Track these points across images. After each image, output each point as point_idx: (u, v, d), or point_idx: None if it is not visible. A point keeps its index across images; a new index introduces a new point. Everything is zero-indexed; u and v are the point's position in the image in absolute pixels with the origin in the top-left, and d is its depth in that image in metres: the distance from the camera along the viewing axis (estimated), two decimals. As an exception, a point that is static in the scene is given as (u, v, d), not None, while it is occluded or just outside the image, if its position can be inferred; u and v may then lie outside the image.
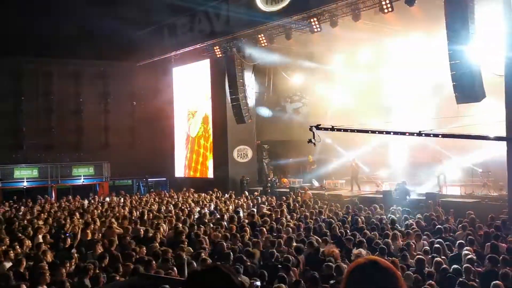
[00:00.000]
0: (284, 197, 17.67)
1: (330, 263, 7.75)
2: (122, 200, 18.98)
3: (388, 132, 12.39)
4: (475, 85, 13.68)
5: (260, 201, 17.15)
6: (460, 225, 11.01)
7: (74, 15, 22.16)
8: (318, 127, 11.17)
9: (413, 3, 14.93)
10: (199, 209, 15.65)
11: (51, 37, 23.27)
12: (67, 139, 26.78)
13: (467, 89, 13.89)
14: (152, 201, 18.62)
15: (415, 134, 11.25)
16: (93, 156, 26.43)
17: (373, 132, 12.63)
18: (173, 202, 17.42)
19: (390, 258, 8.02)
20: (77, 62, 26.60)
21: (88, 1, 23.57)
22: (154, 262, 7.89)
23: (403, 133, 11.99)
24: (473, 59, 13.63)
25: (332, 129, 11.67)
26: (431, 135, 11.28)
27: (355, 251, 8.49)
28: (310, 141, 11.05)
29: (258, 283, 7.19)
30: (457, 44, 13.84)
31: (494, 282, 6.46)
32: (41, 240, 10.22)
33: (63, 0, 23.88)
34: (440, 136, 11.51)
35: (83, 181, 25.60)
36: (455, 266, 7.55)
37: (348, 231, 10.82)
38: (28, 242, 9.96)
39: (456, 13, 13.86)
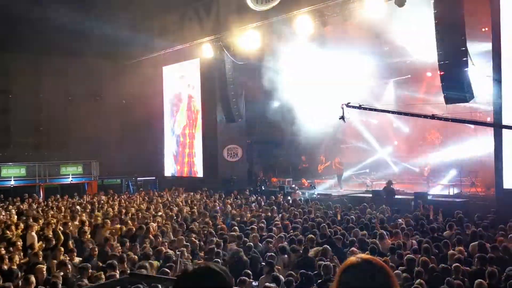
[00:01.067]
0: (273, 197, 17.69)
1: (321, 262, 7.77)
2: (111, 199, 18.88)
3: (406, 114, 14.35)
4: (464, 86, 13.80)
5: (250, 201, 17.16)
6: (448, 225, 11.09)
7: (64, 12, 21.86)
8: (348, 105, 11.91)
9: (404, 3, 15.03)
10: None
11: (39, 34, 22.99)
12: (56, 137, 26.52)
13: (456, 90, 14.01)
14: (141, 200, 18.56)
15: (429, 117, 13.10)
16: (81, 155, 26.21)
17: (398, 113, 14.14)
18: (162, 201, 17.38)
19: (381, 258, 8.07)
20: (66, 60, 26.34)
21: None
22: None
23: (419, 116, 13.87)
24: (462, 60, 13.74)
25: (360, 107, 12.63)
26: (442, 119, 12.92)
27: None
28: (341, 118, 11.59)
29: (255, 283, 7.20)
30: (446, 44, 13.95)
31: (477, 280, 6.50)
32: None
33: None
34: (450, 120, 13.03)
35: (72, 180, 25.38)
36: (443, 265, 7.60)
37: (337, 230, 10.84)
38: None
39: (445, 14, 13.96)
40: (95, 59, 26.37)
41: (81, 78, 26.82)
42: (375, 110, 14.15)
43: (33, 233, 10.94)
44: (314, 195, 18.93)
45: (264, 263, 7.99)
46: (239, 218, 13.27)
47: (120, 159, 26.15)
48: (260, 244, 10.00)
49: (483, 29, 15.32)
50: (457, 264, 7.40)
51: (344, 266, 2.01)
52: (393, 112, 14.12)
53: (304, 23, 17.90)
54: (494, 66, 13.64)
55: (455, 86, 13.95)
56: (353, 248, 8.60)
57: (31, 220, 12.78)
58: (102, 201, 18.10)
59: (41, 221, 12.80)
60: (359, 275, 1.95)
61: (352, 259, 2.01)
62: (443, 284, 6.67)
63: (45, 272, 7.55)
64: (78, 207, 16.24)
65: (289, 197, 17.88)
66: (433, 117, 12.70)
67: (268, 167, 25.12)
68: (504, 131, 13.25)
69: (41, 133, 26.73)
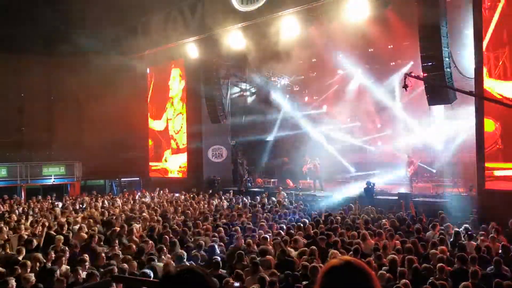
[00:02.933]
0: (257, 197, 17.69)
1: (305, 263, 7.77)
2: (94, 200, 18.67)
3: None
4: (447, 87, 13.96)
5: (234, 201, 17.14)
6: (431, 225, 11.21)
7: (50, 13, 21.65)
8: (409, 75, 12.10)
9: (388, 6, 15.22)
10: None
11: (21, 33, 22.68)
12: (38, 137, 26.13)
13: (439, 92, 14.18)
14: (125, 201, 18.39)
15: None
16: (64, 156, 25.88)
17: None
18: (147, 202, 17.26)
19: (364, 259, 8.11)
20: (48, 60, 26.00)
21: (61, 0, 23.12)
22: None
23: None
24: (444, 62, 13.90)
25: (419, 78, 12.87)
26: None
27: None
28: (404, 86, 11.72)
29: (237, 284, 7.17)
30: (429, 47, 14.12)
31: (462, 284, 6.56)
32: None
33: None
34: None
35: (54, 181, 25.04)
36: (426, 265, 7.66)
37: (322, 231, 10.86)
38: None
39: (429, 16, 14.12)
40: (77, 58, 26.06)
41: (63, 78, 26.48)
42: (440, 86, 13.61)
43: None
44: (299, 196, 18.95)
45: (250, 264, 7.95)
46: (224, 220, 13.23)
47: (104, 159, 25.86)
48: (244, 245, 9.96)
49: (466, 31, 15.51)
50: (441, 264, 7.46)
51: (326, 268, 1.99)
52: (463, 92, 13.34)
53: (289, 24, 17.97)
54: (477, 67, 13.82)
55: (438, 88, 14.11)
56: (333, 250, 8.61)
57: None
58: (85, 202, 17.93)
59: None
60: (341, 277, 1.93)
61: (334, 261, 2.00)
62: (426, 284, 6.72)
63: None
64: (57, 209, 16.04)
65: (273, 198, 17.89)
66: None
67: (253, 168, 25.12)
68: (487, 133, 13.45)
69: (22, 133, 26.33)
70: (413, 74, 12.23)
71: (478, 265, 7.65)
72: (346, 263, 1.96)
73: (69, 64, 26.10)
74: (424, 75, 14.39)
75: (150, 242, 9.65)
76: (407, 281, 6.82)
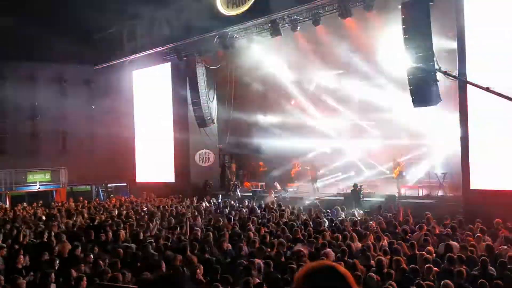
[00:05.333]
0: (245, 201, 17.66)
1: (293, 266, 7.75)
2: (80, 206, 18.47)
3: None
4: (431, 89, 14.09)
5: (222, 206, 17.08)
6: (418, 226, 11.27)
7: (29, 16, 21.44)
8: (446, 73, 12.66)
9: (371, 9, 15.34)
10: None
11: (2, 39, 22.42)
12: (22, 144, 25.80)
13: (423, 93, 14.29)
14: (112, 207, 18.22)
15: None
16: (49, 162, 25.59)
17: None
18: (134, 208, 17.12)
19: (351, 260, 8.12)
20: (32, 65, 25.74)
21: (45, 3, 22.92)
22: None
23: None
24: (429, 64, 14.02)
25: (455, 77, 13.21)
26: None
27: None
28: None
29: None
30: (413, 49, 14.23)
31: (443, 281, 6.59)
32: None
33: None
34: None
35: (39, 188, 24.73)
36: (413, 265, 7.69)
37: (310, 233, 10.86)
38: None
39: (413, 19, 14.25)
40: (63, 64, 25.88)
41: (48, 84, 26.25)
42: (476, 86, 13.37)
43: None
44: (287, 199, 18.95)
45: (241, 268, 7.91)
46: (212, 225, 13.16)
47: (90, 165, 25.65)
48: (232, 249, 9.92)
49: (449, 33, 15.67)
50: (428, 265, 7.50)
51: (304, 271, 1.97)
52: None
53: (274, 28, 18.03)
54: (460, 68, 13.98)
55: (423, 89, 14.23)
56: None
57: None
58: (71, 209, 17.72)
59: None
60: (320, 281, 1.92)
61: (313, 264, 1.98)
62: (413, 285, 6.74)
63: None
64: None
65: (261, 201, 17.88)
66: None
67: (241, 171, 25.09)
68: (471, 135, 13.59)
69: (6, 140, 25.97)
70: (448, 72, 12.43)
71: (465, 265, 7.71)
72: (326, 267, 1.94)
73: (52, 70, 25.91)
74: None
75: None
76: (393, 282, 6.84)
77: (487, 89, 11.96)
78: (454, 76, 13.39)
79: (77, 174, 25.62)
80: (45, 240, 10.73)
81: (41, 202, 20.28)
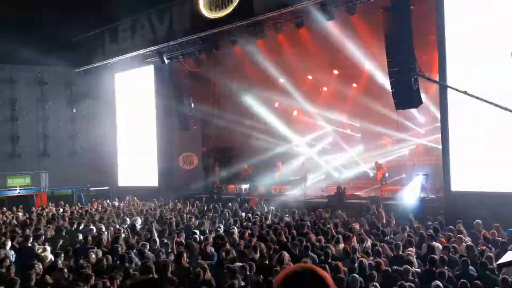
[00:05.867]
0: (230, 203, 17.61)
1: (277, 269, 7.74)
2: (61, 210, 18.21)
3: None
4: (413, 92, 14.26)
5: (205, 209, 17.01)
6: (400, 227, 11.38)
7: (8, 17, 21.11)
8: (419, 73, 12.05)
9: (354, 12, 15.48)
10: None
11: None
12: (2, 148, 25.34)
13: (405, 96, 14.45)
14: (94, 211, 18.01)
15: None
16: (30, 166, 25.18)
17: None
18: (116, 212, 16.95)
19: (334, 262, 8.14)
20: (11, 67, 25.33)
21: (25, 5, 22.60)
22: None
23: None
24: (410, 67, 14.19)
25: (431, 79, 13.42)
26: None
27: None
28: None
29: None
30: (395, 52, 14.39)
31: (433, 283, 6.66)
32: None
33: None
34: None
35: (19, 192, 24.31)
36: (395, 267, 7.75)
37: (294, 236, 10.87)
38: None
39: (394, 23, 14.40)
40: (43, 66, 25.51)
41: (28, 86, 25.85)
42: (455, 90, 13.43)
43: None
44: (271, 201, 18.93)
45: (226, 271, 7.87)
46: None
47: (71, 169, 25.30)
48: (215, 253, 9.88)
49: (429, 37, 15.88)
50: (406, 266, 7.57)
51: (283, 275, 1.96)
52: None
53: (258, 31, 18.05)
54: (440, 72, 14.18)
55: (405, 92, 14.39)
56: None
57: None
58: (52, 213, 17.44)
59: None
60: (299, 284, 1.91)
61: (293, 267, 1.97)
62: (396, 286, 6.79)
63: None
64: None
65: (246, 204, 17.84)
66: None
67: (224, 174, 25.00)
68: (452, 138, 13.77)
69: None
70: (421, 74, 12.46)
71: (447, 266, 7.79)
72: (305, 270, 1.93)
73: (33, 72, 25.53)
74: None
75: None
76: (376, 283, 6.88)
77: (465, 93, 12.19)
78: (434, 80, 13.60)
79: (58, 178, 25.25)
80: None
81: (21, 206, 19.97)
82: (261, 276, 7.79)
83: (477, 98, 11.90)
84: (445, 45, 13.92)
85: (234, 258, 8.99)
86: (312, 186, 21.36)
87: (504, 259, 7.43)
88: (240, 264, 8.41)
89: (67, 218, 15.66)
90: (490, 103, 11.91)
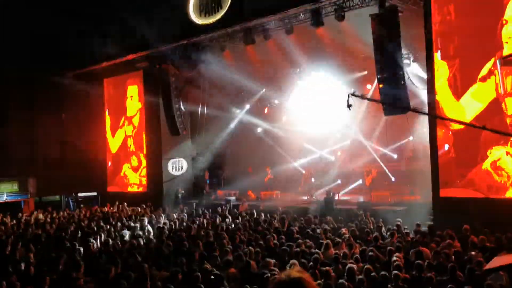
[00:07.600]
0: (219, 209, 17.57)
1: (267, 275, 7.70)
2: (48, 216, 18.00)
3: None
4: (402, 98, 14.36)
5: (195, 214, 16.95)
6: (389, 233, 11.40)
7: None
8: (353, 94, 12.13)
9: (343, 18, 15.58)
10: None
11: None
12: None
13: (394, 102, 14.55)
14: (82, 217, 17.85)
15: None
16: (17, 172, 24.90)
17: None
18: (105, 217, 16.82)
19: (324, 268, 8.13)
20: (-1, 71, 25.10)
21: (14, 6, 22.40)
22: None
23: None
24: (398, 73, 14.31)
25: (363, 97, 12.54)
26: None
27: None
28: (348, 106, 11.75)
29: None
30: (384, 59, 14.50)
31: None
32: None
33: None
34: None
35: (6, 199, 24.01)
36: (383, 272, 7.75)
37: (283, 242, 10.85)
38: None
39: (383, 29, 14.51)
40: (31, 71, 25.26)
41: (17, 91, 25.56)
42: (378, 101, 13.60)
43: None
44: (260, 207, 18.91)
45: (213, 277, 7.83)
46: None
47: (60, 175, 25.05)
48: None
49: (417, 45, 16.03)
50: (396, 272, 7.58)
51: (272, 285, 1.95)
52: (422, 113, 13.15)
53: (248, 36, 18.09)
54: (428, 77, 14.30)
55: (393, 98, 14.49)
56: (293, 261, 8.59)
57: None
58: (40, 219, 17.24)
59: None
60: None
61: (281, 277, 1.97)
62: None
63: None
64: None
65: (235, 210, 17.81)
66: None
67: (214, 180, 24.96)
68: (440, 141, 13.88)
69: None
70: (356, 93, 12.43)
71: (435, 271, 7.82)
72: (293, 280, 1.92)
73: (21, 77, 25.25)
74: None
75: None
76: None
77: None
78: (361, 96, 13.49)
79: (46, 184, 24.99)
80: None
81: (8, 213, 19.70)
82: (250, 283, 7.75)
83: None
84: (432, 50, 14.05)
85: (223, 264, 8.94)
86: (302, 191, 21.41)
87: (492, 264, 7.46)
88: (230, 270, 8.38)
89: (54, 225, 15.50)
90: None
